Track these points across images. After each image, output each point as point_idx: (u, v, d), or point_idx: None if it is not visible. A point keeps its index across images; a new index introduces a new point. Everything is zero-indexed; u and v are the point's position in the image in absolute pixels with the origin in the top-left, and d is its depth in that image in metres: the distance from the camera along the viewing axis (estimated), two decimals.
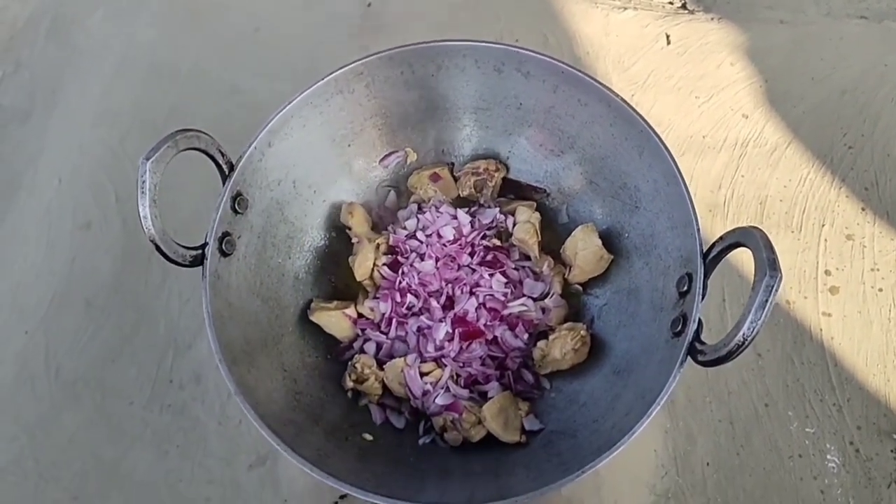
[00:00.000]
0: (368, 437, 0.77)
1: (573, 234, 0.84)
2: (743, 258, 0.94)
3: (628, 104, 0.73)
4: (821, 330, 0.95)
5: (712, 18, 1.18)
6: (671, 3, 1.21)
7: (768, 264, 0.56)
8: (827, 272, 0.98)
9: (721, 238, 0.64)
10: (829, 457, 0.88)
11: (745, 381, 0.92)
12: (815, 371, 0.93)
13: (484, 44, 0.77)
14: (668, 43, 1.16)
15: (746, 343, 0.57)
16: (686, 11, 1.20)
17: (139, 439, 0.91)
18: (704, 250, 0.66)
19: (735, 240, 0.62)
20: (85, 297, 0.99)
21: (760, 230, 0.59)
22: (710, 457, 0.89)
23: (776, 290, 0.55)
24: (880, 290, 0.97)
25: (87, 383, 0.95)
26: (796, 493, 0.87)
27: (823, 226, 1.01)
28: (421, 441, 0.79)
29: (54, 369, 0.95)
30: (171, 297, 0.99)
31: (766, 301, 0.55)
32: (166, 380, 0.95)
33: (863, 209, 1.02)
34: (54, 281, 1.01)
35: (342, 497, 0.86)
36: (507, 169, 0.91)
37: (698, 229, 0.67)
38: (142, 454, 0.91)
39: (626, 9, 1.20)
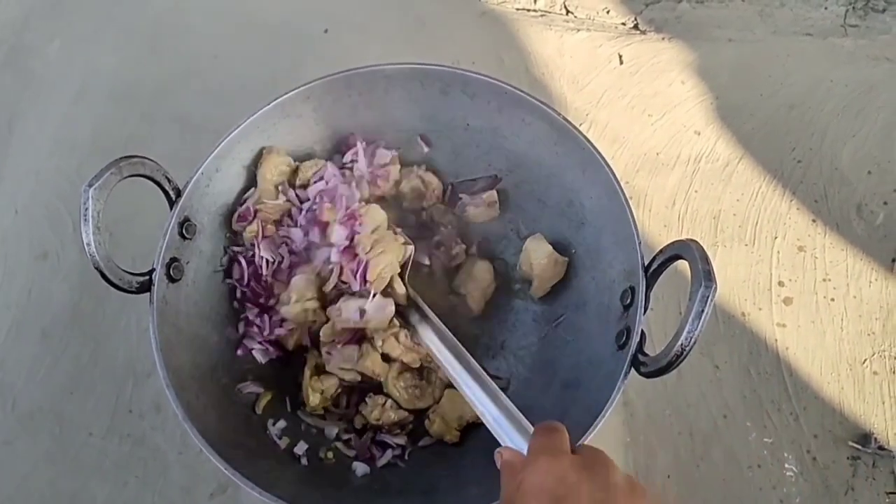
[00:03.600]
0: (321, 458, 0.77)
1: (524, 248, 0.84)
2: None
3: (570, 123, 0.75)
4: (776, 340, 0.96)
5: (663, 38, 1.21)
6: (623, 24, 1.24)
7: (703, 275, 0.57)
8: (780, 283, 1.00)
9: (661, 251, 0.65)
10: (787, 465, 0.89)
11: (704, 393, 0.93)
12: (771, 381, 0.94)
13: (428, 66, 0.78)
14: (621, 63, 1.18)
15: (685, 353, 0.58)
16: (638, 32, 1.23)
17: (98, 471, 0.91)
18: (646, 263, 0.67)
19: (674, 252, 0.63)
20: (42, 328, 0.99)
21: (696, 242, 0.60)
22: (670, 469, 0.89)
23: (711, 300, 0.56)
24: (832, 299, 0.98)
25: (45, 415, 0.94)
26: (756, 503, 0.87)
27: (776, 238, 1.03)
28: (380, 462, 0.79)
29: (11, 402, 0.94)
30: (129, 325, 0.98)
31: (702, 311, 0.56)
32: (126, 409, 0.94)
33: (813, 221, 1.04)
34: (10, 312, 1.00)
35: None
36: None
37: (639, 243, 0.68)
38: (101, 486, 0.90)
39: (579, 30, 1.22)
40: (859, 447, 0.90)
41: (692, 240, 0.61)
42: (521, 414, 0.65)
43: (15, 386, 0.95)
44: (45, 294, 1.01)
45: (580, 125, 1.05)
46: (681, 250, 0.62)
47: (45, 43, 1.22)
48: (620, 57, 1.19)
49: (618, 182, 0.70)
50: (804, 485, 0.88)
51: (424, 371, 0.81)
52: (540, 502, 0.50)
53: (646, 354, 0.63)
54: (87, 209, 0.62)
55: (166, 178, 0.70)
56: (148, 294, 0.69)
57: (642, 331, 0.65)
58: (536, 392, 0.79)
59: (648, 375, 0.62)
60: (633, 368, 0.64)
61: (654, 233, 1.03)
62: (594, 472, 0.51)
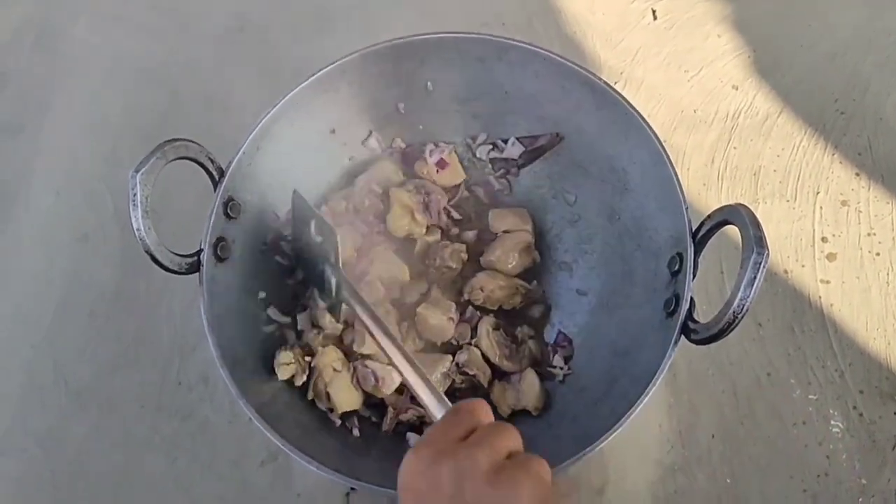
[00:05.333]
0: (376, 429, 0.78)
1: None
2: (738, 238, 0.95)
3: (611, 87, 0.73)
4: (820, 297, 0.95)
5: None
6: None
7: (755, 241, 0.56)
8: (823, 239, 0.98)
9: (709, 217, 0.64)
10: (833, 422, 0.89)
11: (747, 351, 0.93)
12: (815, 338, 0.93)
13: (465, 35, 0.77)
14: (655, 18, 1.16)
15: (737, 320, 0.57)
16: None
17: (150, 444, 0.92)
18: (693, 229, 0.66)
19: (723, 217, 0.62)
20: (88, 307, 1.00)
21: (746, 207, 0.59)
22: (714, 428, 0.89)
23: (764, 267, 0.56)
24: (877, 254, 0.97)
25: (96, 392, 0.96)
26: (801, 459, 0.87)
27: (818, 193, 1.01)
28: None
29: (62, 380, 0.96)
30: (173, 300, 1.00)
31: (755, 278, 0.56)
32: (174, 383, 0.96)
33: (857, 174, 1.02)
34: (56, 293, 1.02)
35: (353, 489, 0.88)
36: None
37: (686, 209, 0.67)
38: (153, 458, 0.92)
39: None
40: None
41: (742, 205, 0.60)
42: (443, 396, 0.61)
43: (65, 364, 0.97)
44: (88, 275, 1.02)
45: (615, 84, 1.03)
46: (730, 215, 0.61)
47: (71, 23, 1.22)
48: (654, 12, 1.16)
49: (663, 147, 0.69)
50: (850, 441, 0.88)
51: (519, 340, 0.82)
52: (406, 500, 0.47)
53: (696, 321, 0.63)
54: (135, 194, 0.63)
55: (209, 159, 0.70)
56: (196, 275, 0.69)
57: (691, 297, 0.65)
58: (584, 361, 0.79)
59: (699, 342, 0.62)
60: (682, 335, 0.64)
61: (694, 192, 1.02)
62: (457, 456, 0.45)
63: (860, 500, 0.86)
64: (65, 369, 0.97)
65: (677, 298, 0.66)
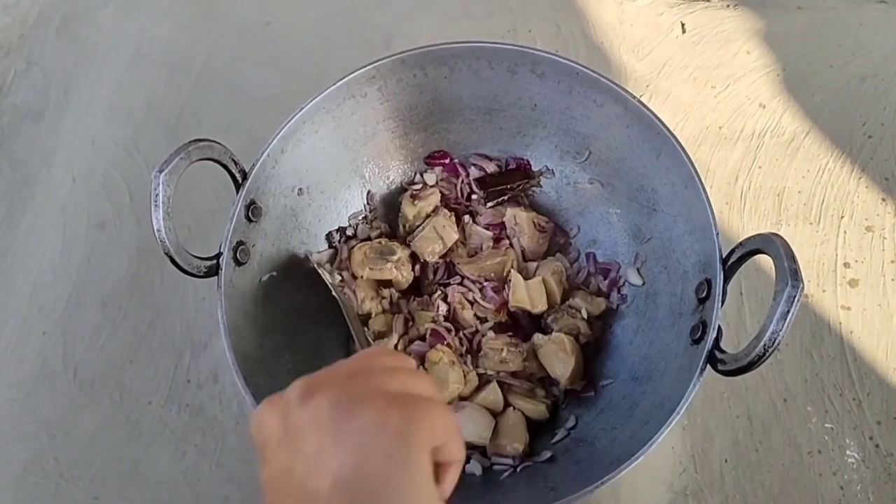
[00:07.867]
0: None
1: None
2: (760, 257, 0.93)
3: (645, 106, 0.72)
4: (840, 323, 0.94)
5: (728, 6, 1.16)
6: None
7: (790, 274, 0.55)
8: (846, 265, 0.97)
9: (741, 244, 0.63)
10: (848, 452, 0.88)
11: (764, 376, 0.92)
12: (834, 365, 0.92)
13: (497, 45, 0.76)
14: (684, 31, 1.14)
15: (767, 354, 0.56)
16: None
17: (158, 438, 0.92)
18: (724, 255, 0.65)
19: (755, 246, 0.61)
20: (101, 297, 1.00)
21: (781, 238, 0.58)
22: (728, 453, 0.88)
23: (798, 301, 0.55)
24: None
25: (106, 383, 0.95)
26: (815, 488, 0.86)
27: (843, 217, 1.00)
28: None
29: (73, 369, 0.96)
30: (186, 296, 0.99)
31: (788, 312, 0.55)
32: (184, 379, 0.95)
33: (883, 200, 1.00)
34: (70, 280, 1.01)
35: None
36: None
37: (717, 234, 0.66)
38: (161, 453, 0.91)
39: None
40: None
41: (776, 234, 0.59)
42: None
43: (76, 353, 0.97)
44: (103, 263, 1.02)
45: (640, 96, 1.01)
46: (763, 245, 0.60)
47: (98, 9, 1.22)
48: (683, 25, 1.15)
49: (695, 169, 0.68)
50: (865, 472, 0.87)
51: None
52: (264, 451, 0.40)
53: (723, 351, 0.62)
54: (157, 195, 0.62)
55: (233, 160, 0.69)
56: (215, 277, 0.69)
57: (719, 326, 0.63)
58: (604, 383, 0.78)
59: (726, 374, 0.60)
60: (708, 366, 0.62)
61: (716, 210, 0.99)
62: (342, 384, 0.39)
63: None
64: (76, 358, 0.97)
65: (704, 326, 0.64)
